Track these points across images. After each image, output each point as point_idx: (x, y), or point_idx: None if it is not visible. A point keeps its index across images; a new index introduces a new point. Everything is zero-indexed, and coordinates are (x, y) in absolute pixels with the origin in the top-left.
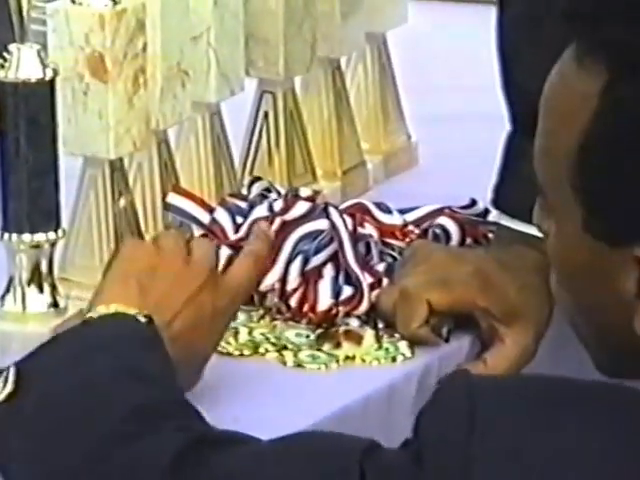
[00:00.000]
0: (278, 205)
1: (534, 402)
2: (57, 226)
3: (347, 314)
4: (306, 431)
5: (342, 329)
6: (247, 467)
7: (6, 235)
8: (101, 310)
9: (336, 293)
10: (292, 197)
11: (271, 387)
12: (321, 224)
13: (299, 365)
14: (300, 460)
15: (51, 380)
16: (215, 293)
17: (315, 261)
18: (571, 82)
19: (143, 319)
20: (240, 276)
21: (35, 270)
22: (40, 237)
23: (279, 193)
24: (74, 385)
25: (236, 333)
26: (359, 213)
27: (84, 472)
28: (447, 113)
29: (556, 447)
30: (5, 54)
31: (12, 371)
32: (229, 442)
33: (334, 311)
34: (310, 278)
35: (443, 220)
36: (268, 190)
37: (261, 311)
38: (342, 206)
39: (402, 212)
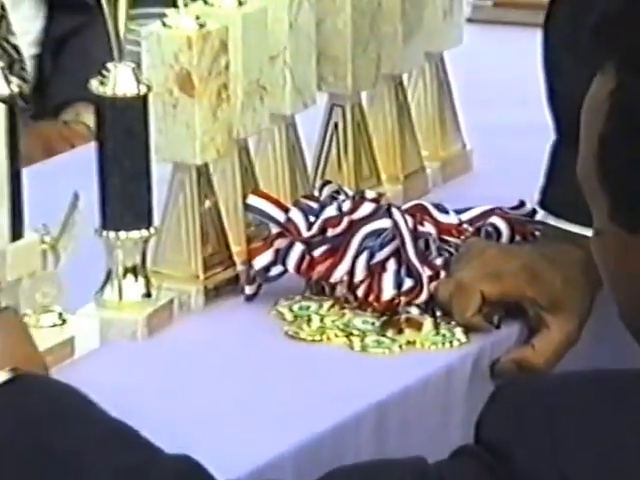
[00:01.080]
0: (346, 206)
1: (599, 398)
2: (149, 225)
3: (408, 303)
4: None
5: (404, 317)
6: None
7: (104, 233)
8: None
9: (398, 285)
10: (359, 199)
11: (339, 369)
12: (385, 223)
13: (364, 349)
14: None
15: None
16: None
17: (379, 256)
18: (594, 88)
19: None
20: None
21: (130, 264)
22: (134, 234)
23: (347, 195)
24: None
25: (309, 320)
26: (419, 213)
27: None
28: (499, 124)
29: (634, 436)
30: (104, 72)
31: None
32: None
33: (396, 301)
34: (375, 271)
35: (494, 219)
36: (337, 192)
37: (331, 301)
38: (404, 207)
39: (458, 212)
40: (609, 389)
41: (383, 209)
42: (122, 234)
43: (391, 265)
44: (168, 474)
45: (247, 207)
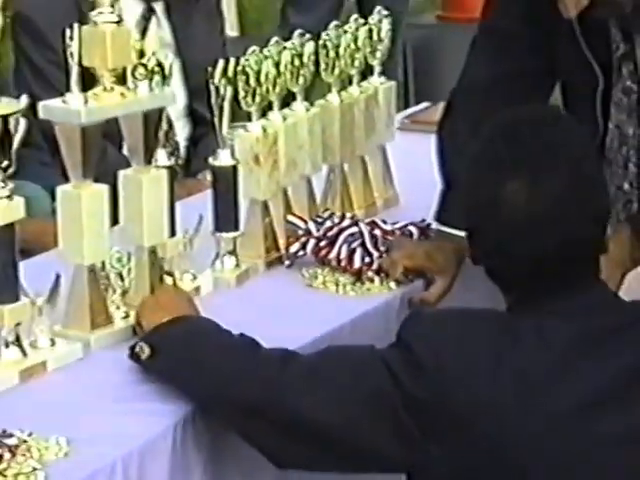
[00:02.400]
0: (336, 221)
1: (460, 318)
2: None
3: (367, 270)
4: (332, 346)
5: (364, 276)
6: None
7: (217, 234)
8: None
9: (362, 260)
10: (342, 218)
11: (330, 301)
12: (355, 229)
13: (345, 293)
14: (336, 365)
15: (175, 347)
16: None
17: (352, 245)
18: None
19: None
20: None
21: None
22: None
23: (337, 216)
24: (189, 351)
25: (316, 277)
26: (372, 225)
27: (216, 395)
28: (408, 182)
29: (466, 339)
30: (214, 154)
31: (144, 343)
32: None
33: (362, 268)
34: (350, 253)
35: (410, 227)
36: (332, 214)
37: (328, 268)
38: (365, 221)
39: (392, 224)
40: (466, 314)
41: (354, 222)
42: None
43: (358, 250)
44: (276, 351)
45: (287, 221)
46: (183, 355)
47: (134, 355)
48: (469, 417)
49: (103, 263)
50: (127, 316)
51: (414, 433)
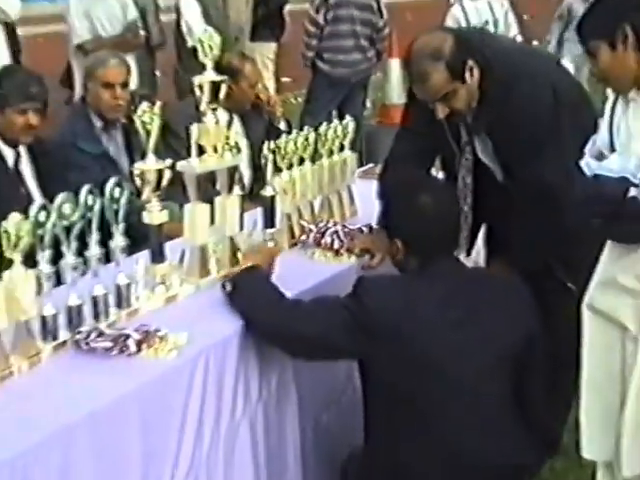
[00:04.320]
0: (329, 225)
1: (386, 278)
2: None
3: (340, 249)
4: (319, 295)
5: (339, 253)
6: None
7: None
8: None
9: (338, 244)
10: (327, 224)
11: (322, 267)
12: (334, 228)
13: (327, 262)
14: (319, 306)
15: (245, 286)
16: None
17: (332, 236)
18: None
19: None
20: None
21: None
22: None
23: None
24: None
25: (314, 254)
26: (343, 226)
27: (281, 324)
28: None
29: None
30: None
31: (229, 281)
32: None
33: (338, 249)
34: (332, 241)
35: (363, 227)
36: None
37: (321, 249)
38: (340, 224)
39: (353, 225)
40: (393, 275)
41: (334, 224)
42: None
43: (336, 239)
44: (290, 299)
45: (300, 224)
46: (248, 293)
47: (223, 288)
48: (403, 333)
49: (206, 245)
50: (218, 272)
51: (364, 341)
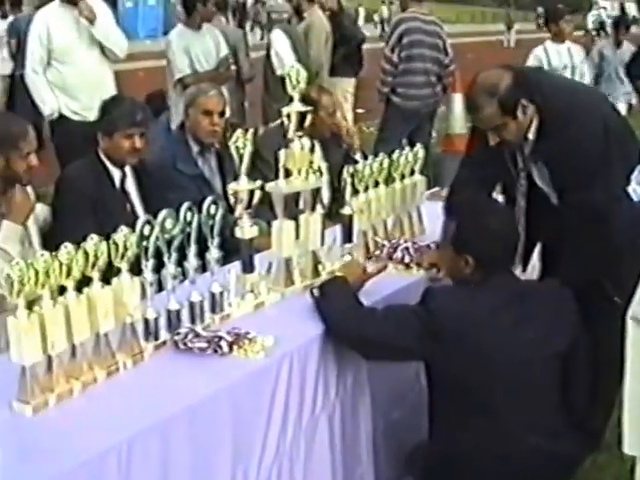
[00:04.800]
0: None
1: (455, 289)
2: None
3: (410, 263)
4: (391, 304)
5: (409, 266)
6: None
7: None
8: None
9: (408, 258)
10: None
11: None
12: (405, 244)
13: (399, 274)
14: (391, 313)
15: (332, 294)
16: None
17: (403, 252)
18: None
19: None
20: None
21: None
22: None
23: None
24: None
25: (386, 266)
26: (412, 242)
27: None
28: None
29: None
30: None
31: (318, 288)
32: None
33: (408, 263)
34: (403, 256)
35: (430, 244)
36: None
37: (392, 263)
38: (410, 241)
39: (422, 242)
40: (460, 287)
41: (404, 241)
42: None
43: (406, 254)
44: (367, 307)
45: (374, 240)
46: (333, 299)
47: (312, 295)
48: (466, 335)
49: (291, 257)
50: (301, 282)
51: (430, 344)
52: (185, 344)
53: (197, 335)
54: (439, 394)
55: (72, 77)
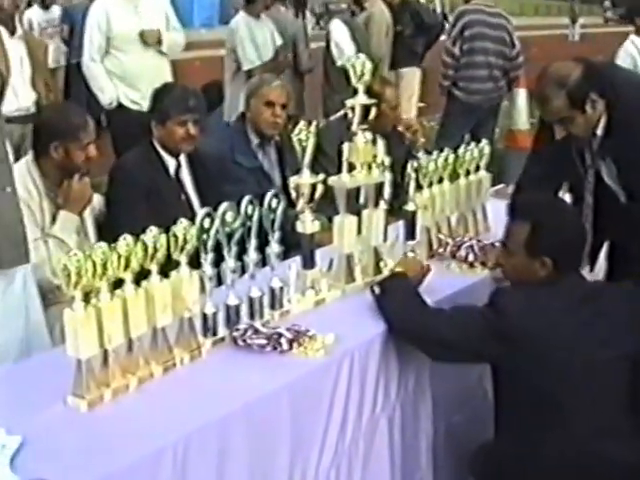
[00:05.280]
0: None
1: (520, 289)
2: None
3: (475, 262)
4: (457, 305)
5: (474, 265)
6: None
7: None
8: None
9: (472, 257)
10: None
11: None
12: (469, 242)
13: (463, 273)
14: (458, 313)
15: (392, 292)
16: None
17: (467, 250)
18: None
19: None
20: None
21: None
22: None
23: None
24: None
25: (450, 264)
26: (477, 240)
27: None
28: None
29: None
30: None
31: (378, 285)
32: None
33: (472, 261)
34: (467, 254)
35: (496, 243)
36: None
37: (456, 261)
38: (474, 239)
39: (487, 241)
40: (526, 288)
41: (469, 239)
42: None
43: (470, 252)
44: (432, 307)
45: (438, 237)
46: (395, 297)
47: (372, 292)
48: (536, 337)
49: (353, 253)
50: (362, 279)
51: (496, 346)
52: (244, 340)
53: (256, 331)
54: (506, 397)
55: (132, 66)
